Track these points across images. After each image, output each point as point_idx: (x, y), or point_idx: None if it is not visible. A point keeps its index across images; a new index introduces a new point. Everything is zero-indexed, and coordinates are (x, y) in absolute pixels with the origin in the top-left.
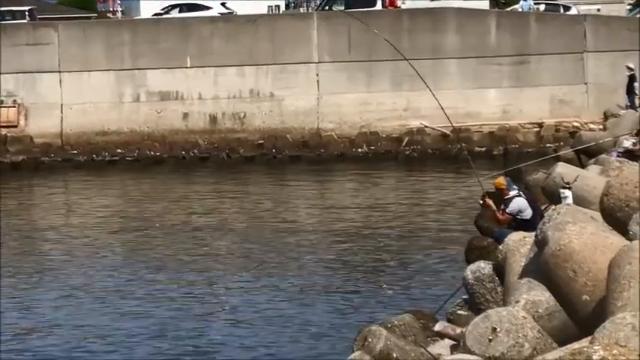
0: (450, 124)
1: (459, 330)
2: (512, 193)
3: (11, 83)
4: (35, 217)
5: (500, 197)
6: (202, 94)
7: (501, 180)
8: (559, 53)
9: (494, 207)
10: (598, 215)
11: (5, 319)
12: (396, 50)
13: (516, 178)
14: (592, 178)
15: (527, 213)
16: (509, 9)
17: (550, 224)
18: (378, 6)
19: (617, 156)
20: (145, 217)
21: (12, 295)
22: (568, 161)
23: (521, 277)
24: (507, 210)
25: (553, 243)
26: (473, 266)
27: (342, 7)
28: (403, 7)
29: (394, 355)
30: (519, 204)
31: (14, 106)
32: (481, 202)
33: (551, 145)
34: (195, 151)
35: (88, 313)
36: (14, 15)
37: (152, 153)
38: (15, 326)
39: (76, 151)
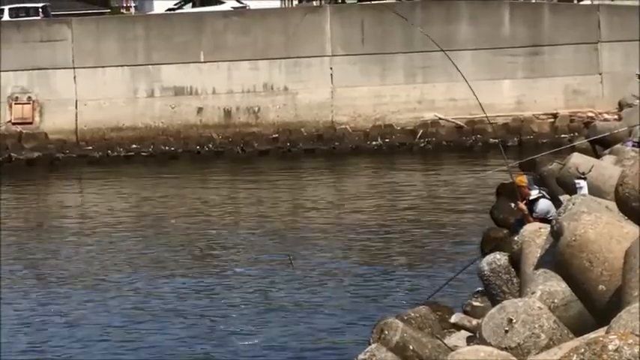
0: (485, 115)
1: (475, 321)
2: (534, 192)
3: (25, 80)
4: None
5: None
6: (216, 89)
7: (523, 178)
8: (573, 43)
9: (527, 211)
10: (613, 205)
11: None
12: (432, 41)
13: (531, 169)
14: (607, 168)
15: (553, 212)
16: None
17: (565, 214)
18: None
19: (632, 146)
20: (161, 214)
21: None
22: (583, 151)
23: (537, 267)
24: (535, 214)
25: (568, 233)
26: (489, 257)
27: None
28: None
29: (410, 347)
30: (547, 206)
31: (29, 103)
32: (513, 205)
33: (566, 136)
34: (210, 145)
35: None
36: (28, 12)
37: (167, 148)
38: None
39: (91, 147)
